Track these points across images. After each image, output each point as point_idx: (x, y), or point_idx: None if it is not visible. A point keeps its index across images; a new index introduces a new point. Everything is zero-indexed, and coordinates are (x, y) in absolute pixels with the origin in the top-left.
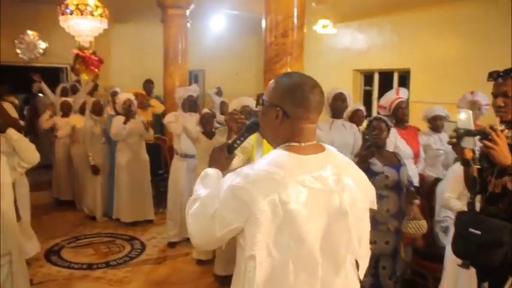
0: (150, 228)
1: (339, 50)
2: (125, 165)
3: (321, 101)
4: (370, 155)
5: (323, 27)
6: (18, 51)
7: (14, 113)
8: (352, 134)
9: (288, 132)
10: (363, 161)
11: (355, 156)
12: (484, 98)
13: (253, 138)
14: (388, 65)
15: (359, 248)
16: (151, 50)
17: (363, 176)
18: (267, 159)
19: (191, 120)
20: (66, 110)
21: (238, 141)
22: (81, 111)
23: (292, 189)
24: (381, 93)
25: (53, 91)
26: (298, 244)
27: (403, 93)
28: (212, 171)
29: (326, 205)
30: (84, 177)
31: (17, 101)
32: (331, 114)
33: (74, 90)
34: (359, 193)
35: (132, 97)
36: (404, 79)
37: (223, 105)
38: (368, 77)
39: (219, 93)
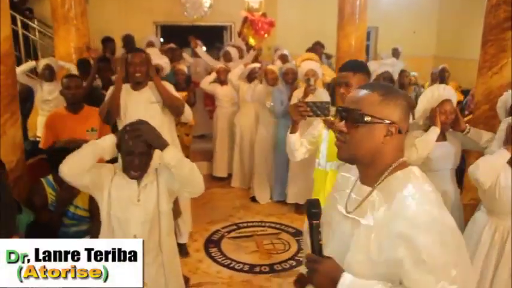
0: None
1: None
2: None
3: None
4: None
5: None
6: (185, 11)
7: (172, 90)
8: None
9: (398, 149)
10: None
11: None
12: None
13: (320, 130)
14: None
15: None
16: (323, 6)
17: None
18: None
19: None
20: (223, 78)
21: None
22: (250, 79)
23: None
24: None
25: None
26: None
27: None
28: None
29: None
30: (247, 152)
31: (185, 68)
32: None
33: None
34: None
35: (315, 66)
36: None
37: (402, 76)
38: None
39: (396, 54)
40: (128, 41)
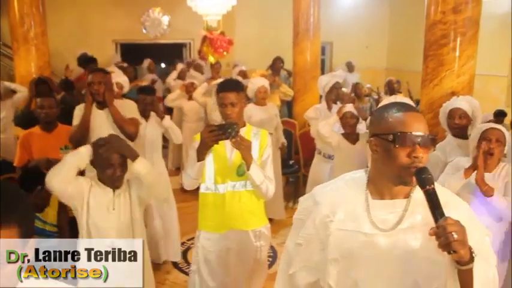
0: (280, 229)
1: (499, 17)
2: None
3: None
4: None
5: None
6: (144, 29)
7: (134, 112)
8: None
9: None
10: None
11: None
12: None
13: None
14: None
15: None
16: (279, 23)
17: None
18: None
19: (327, 119)
20: (189, 93)
21: None
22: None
23: None
24: None
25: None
26: None
27: None
28: None
29: None
30: None
31: (143, 83)
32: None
33: (196, 67)
34: None
35: (266, 82)
36: None
37: (357, 88)
38: None
39: (350, 68)
40: (84, 59)
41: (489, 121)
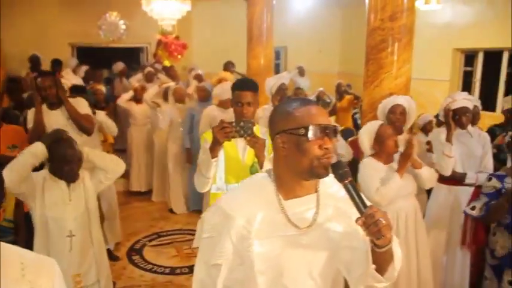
0: None
1: (437, 26)
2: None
3: None
4: None
5: (425, 2)
6: (100, 32)
7: (86, 108)
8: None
9: None
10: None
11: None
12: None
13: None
14: (497, 44)
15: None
16: (234, 29)
17: None
18: None
19: None
20: (139, 96)
21: None
22: (164, 97)
23: None
24: (485, 76)
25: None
26: None
27: None
28: None
29: None
30: (165, 167)
31: (104, 89)
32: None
33: (168, 71)
34: None
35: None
36: None
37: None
38: (470, 57)
39: (301, 72)
40: (35, 61)
41: (429, 121)
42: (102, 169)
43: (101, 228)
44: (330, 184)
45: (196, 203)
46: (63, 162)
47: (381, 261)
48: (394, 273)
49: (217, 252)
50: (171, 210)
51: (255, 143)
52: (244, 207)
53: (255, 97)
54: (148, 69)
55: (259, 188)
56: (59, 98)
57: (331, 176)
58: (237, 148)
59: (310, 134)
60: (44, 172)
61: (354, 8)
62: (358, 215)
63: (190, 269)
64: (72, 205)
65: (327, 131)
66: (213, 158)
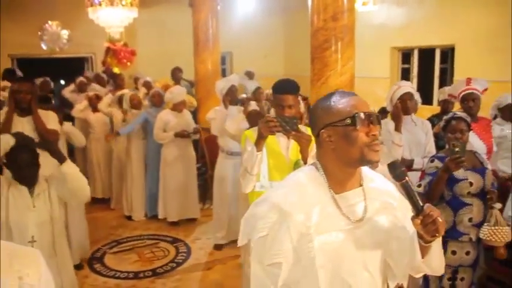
0: (193, 228)
1: (375, 27)
2: (172, 162)
3: None
4: (456, 166)
5: (363, 4)
6: (42, 43)
7: (55, 123)
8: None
9: None
10: (447, 171)
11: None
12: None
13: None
14: (429, 42)
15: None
16: (179, 35)
17: None
18: None
19: (233, 118)
20: (95, 105)
21: None
22: (119, 104)
23: None
24: (421, 72)
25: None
26: None
27: (478, 84)
28: None
29: None
30: (123, 175)
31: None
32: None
33: (100, 80)
34: None
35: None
36: (446, 56)
37: (257, 92)
38: (406, 55)
39: (250, 76)
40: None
41: None
42: (70, 191)
43: (66, 239)
44: (371, 178)
45: (154, 210)
46: (23, 166)
47: (424, 253)
48: (443, 264)
49: (275, 250)
50: (129, 217)
51: (300, 137)
52: (300, 203)
53: (296, 100)
54: (80, 79)
55: (311, 182)
56: (30, 106)
57: (370, 171)
58: (280, 146)
59: (357, 123)
60: (9, 177)
61: (295, 13)
62: (402, 208)
63: (154, 272)
64: (35, 212)
65: (371, 118)
66: (258, 150)
